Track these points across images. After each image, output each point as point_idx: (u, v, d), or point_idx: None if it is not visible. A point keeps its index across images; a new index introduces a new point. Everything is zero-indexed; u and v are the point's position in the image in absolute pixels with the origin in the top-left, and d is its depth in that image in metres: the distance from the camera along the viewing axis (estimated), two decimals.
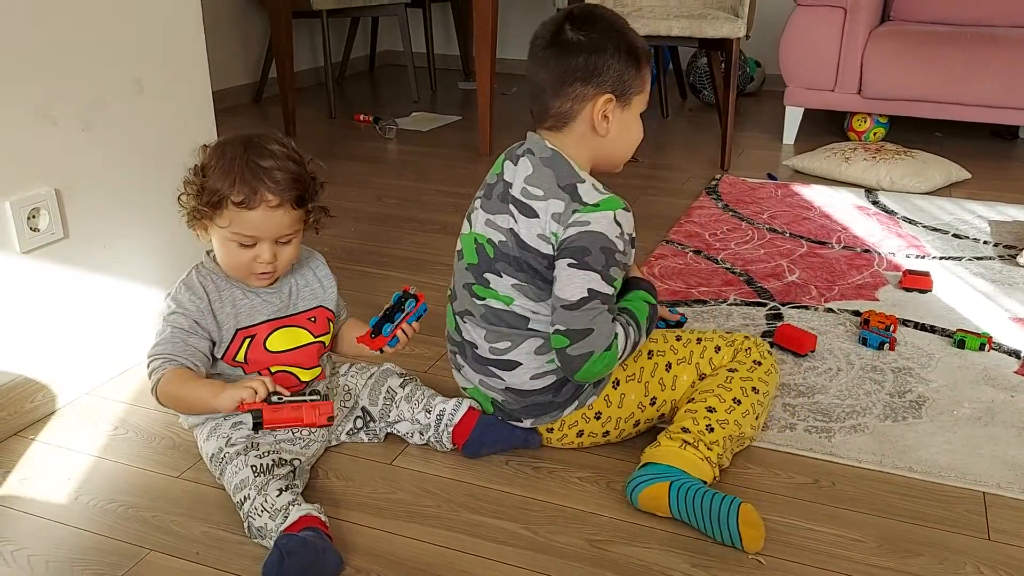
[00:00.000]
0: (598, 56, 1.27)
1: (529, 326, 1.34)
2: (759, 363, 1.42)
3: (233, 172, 1.22)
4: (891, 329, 1.80)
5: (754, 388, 1.38)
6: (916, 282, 2.05)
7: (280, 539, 1.11)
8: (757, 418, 1.39)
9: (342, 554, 1.18)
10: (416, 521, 1.28)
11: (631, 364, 1.41)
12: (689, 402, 1.37)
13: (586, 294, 1.26)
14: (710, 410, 1.34)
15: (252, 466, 1.23)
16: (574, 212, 1.27)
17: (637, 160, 3.17)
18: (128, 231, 1.66)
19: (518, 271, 1.32)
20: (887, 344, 1.75)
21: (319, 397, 1.21)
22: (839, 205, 2.65)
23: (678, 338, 1.46)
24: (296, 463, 1.29)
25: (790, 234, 2.40)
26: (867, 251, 2.28)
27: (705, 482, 1.27)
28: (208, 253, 1.33)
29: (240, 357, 1.31)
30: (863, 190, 2.80)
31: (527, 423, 1.40)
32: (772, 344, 1.77)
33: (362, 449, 1.44)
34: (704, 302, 1.98)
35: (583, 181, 1.31)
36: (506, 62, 5.05)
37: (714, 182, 2.88)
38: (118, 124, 1.61)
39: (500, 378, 1.37)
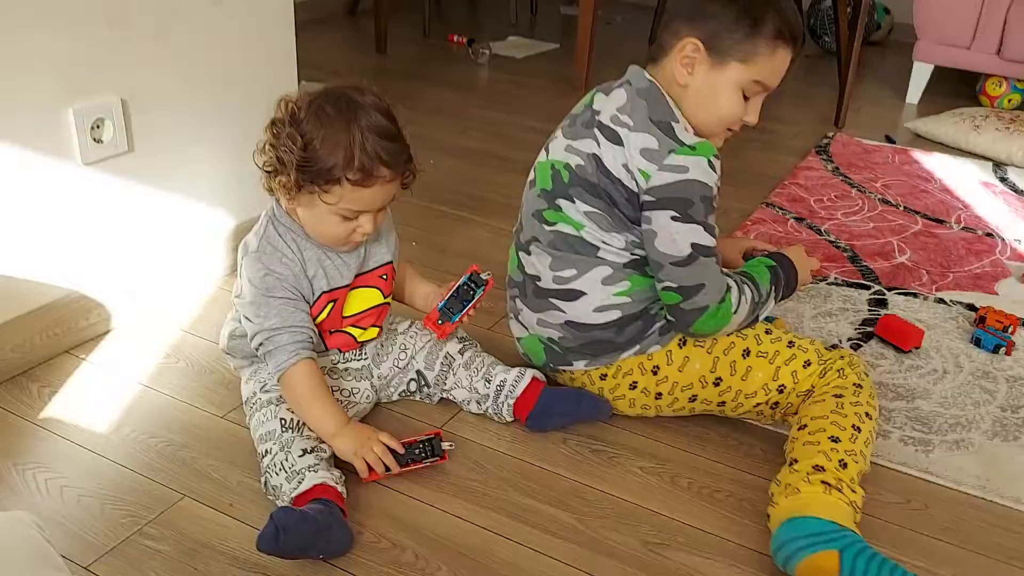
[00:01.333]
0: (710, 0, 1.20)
1: (598, 254, 1.25)
2: (860, 386, 1.24)
3: (346, 147, 1.09)
4: (1010, 331, 1.61)
5: (867, 414, 1.21)
6: None
7: (276, 512, 1.01)
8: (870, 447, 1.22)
9: (357, 527, 1.11)
10: (461, 496, 1.19)
11: (765, 343, 1.29)
12: (800, 430, 1.20)
13: (692, 249, 1.20)
14: (834, 440, 1.15)
15: (281, 419, 1.16)
16: (670, 152, 1.18)
17: None
18: (196, 148, 1.58)
19: (595, 198, 1.24)
20: (1004, 348, 1.57)
21: (431, 455, 1.20)
22: (962, 179, 2.40)
23: (768, 331, 1.31)
24: None
25: (904, 208, 2.19)
26: (989, 235, 2.06)
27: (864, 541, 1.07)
28: (278, 202, 1.22)
29: (319, 319, 1.23)
30: (991, 164, 2.53)
31: (580, 365, 1.30)
32: (872, 335, 1.60)
33: (415, 408, 1.35)
34: None
35: (677, 121, 1.21)
36: None
37: (825, 141, 2.65)
38: (192, 34, 1.52)
39: (561, 310, 1.28)
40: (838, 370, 1.26)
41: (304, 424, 1.17)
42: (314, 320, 1.22)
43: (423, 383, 1.32)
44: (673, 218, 1.18)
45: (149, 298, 1.55)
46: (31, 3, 1.26)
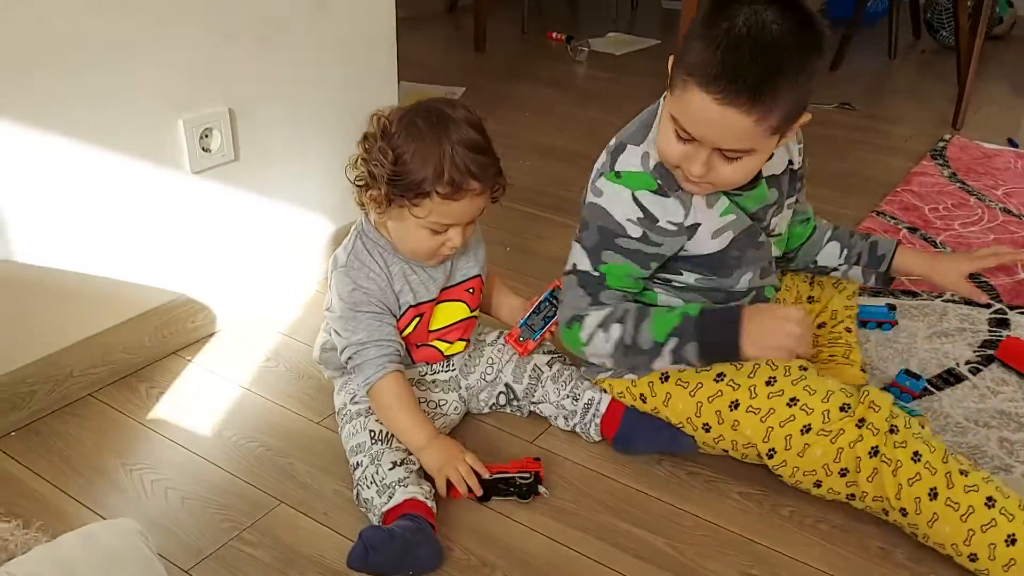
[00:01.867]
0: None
1: None
2: (895, 429, 1.08)
3: (437, 161, 1.09)
4: None
5: (962, 472, 1.05)
6: None
7: (365, 531, 1.03)
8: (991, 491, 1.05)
9: (447, 543, 1.10)
10: (552, 516, 1.18)
11: (760, 397, 1.15)
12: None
13: (570, 268, 1.20)
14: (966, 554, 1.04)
15: (371, 431, 1.17)
16: (601, 175, 1.16)
17: (850, 106, 2.83)
18: (298, 156, 1.61)
19: None
20: None
21: (529, 478, 1.19)
22: None
23: (768, 382, 1.15)
24: None
25: None
26: None
27: None
28: (367, 216, 1.23)
29: (405, 333, 1.24)
30: None
31: (582, 370, 1.30)
32: (992, 359, 1.51)
33: (505, 420, 1.34)
34: (914, 294, 1.72)
35: (639, 143, 1.14)
36: None
37: (941, 143, 2.51)
38: (296, 43, 1.54)
39: None
40: (857, 424, 1.09)
41: (393, 436, 1.17)
42: (402, 333, 1.22)
43: (512, 396, 1.31)
44: (575, 235, 1.20)
45: (252, 302, 1.59)
46: (147, 16, 1.29)
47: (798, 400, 1.13)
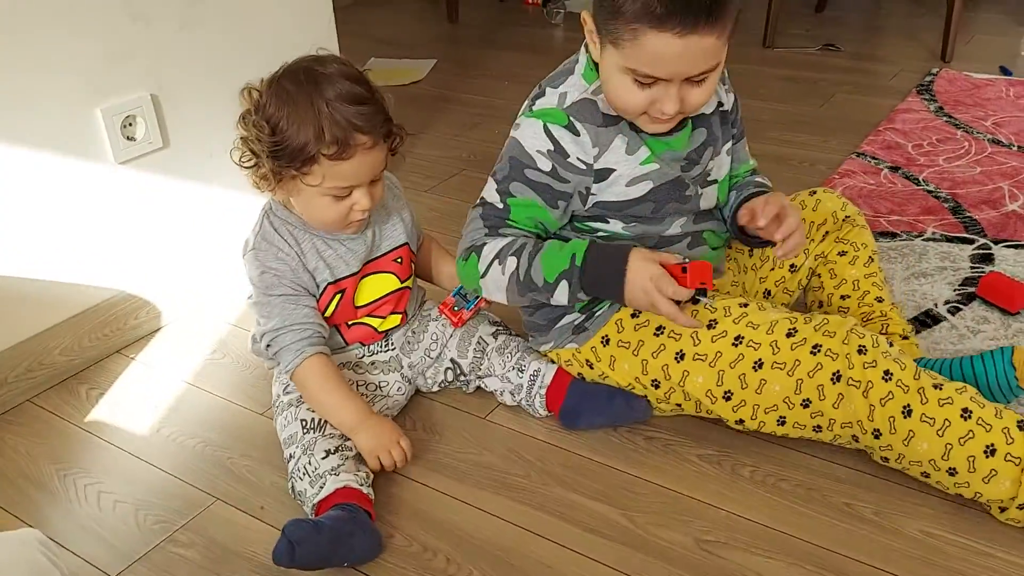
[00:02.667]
0: None
1: None
2: (863, 350, 1.02)
3: (314, 122, 1.03)
4: None
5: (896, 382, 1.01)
6: None
7: (288, 526, 0.96)
8: None
9: (388, 529, 1.06)
10: (502, 493, 1.12)
11: (628, 331, 1.13)
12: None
13: (478, 201, 1.14)
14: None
15: (302, 420, 1.12)
16: (522, 114, 1.12)
17: (835, 47, 2.72)
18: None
19: None
20: None
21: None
22: None
23: (710, 326, 1.09)
24: None
25: (1019, 147, 1.95)
26: None
27: None
28: (274, 197, 1.17)
29: (328, 312, 1.18)
30: None
31: (529, 341, 1.25)
32: (974, 297, 1.42)
33: (457, 397, 1.29)
34: (893, 235, 1.63)
35: (557, 87, 1.10)
36: None
37: (928, 78, 2.40)
38: (220, 22, 1.48)
39: None
40: (812, 351, 1.04)
41: (326, 423, 1.12)
42: (324, 313, 1.16)
43: (459, 372, 1.25)
44: (492, 169, 1.14)
45: (198, 294, 1.54)
46: (46, 5, 1.24)
47: (743, 338, 1.08)
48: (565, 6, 3.27)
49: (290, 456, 1.10)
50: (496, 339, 1.24)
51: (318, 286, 1.16)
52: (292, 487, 1.09)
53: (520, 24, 3.28)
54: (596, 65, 1.08)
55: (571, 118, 1.08)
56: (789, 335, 1.06)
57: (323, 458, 1.07)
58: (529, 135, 1.09)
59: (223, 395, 1.33)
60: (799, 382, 1.05)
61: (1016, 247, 1.56)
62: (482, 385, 1.26)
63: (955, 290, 1.45)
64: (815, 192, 1.31)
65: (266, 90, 1.07)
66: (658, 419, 1.21)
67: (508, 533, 1.06)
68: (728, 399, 1.10)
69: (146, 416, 1.29)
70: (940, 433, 0.99)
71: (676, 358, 1.11)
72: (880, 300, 1.25)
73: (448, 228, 1.73)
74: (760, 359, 1.06)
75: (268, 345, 1.13)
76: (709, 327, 1.09)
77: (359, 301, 1.20)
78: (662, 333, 1.12)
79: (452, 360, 1.24)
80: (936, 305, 1.42)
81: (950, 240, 1.60)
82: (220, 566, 1.03)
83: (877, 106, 2.25)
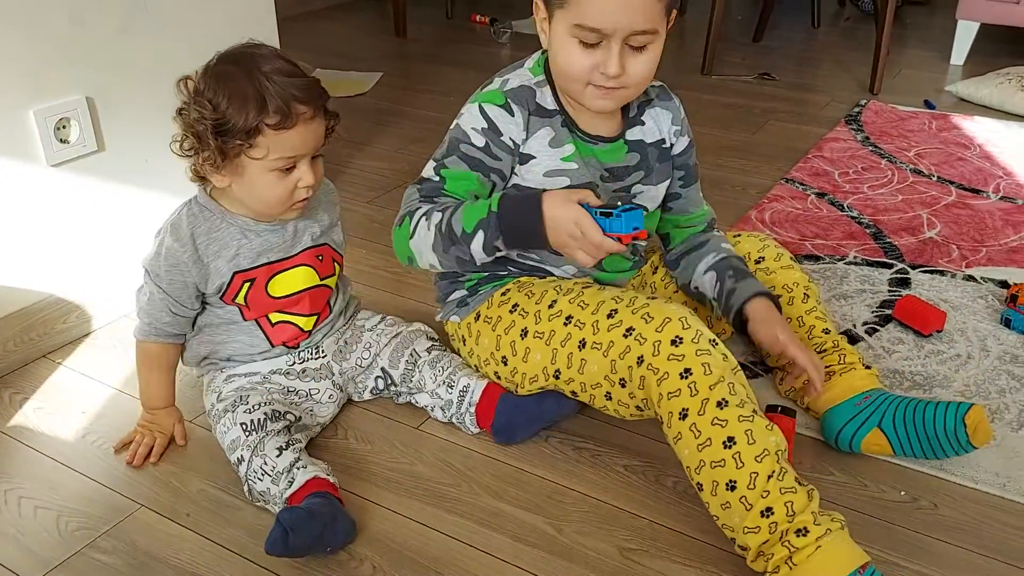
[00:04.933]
0: None
1: None
2: (678, 341, 1.04)
3: (255, 93, 1.06)
4: None
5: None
6: None
7: (282, 513, 0.99)
8: None
9: (354, 517, 1.07)
10: (432, 503, 1.13)
11: (543, 321, 1.15)
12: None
13: (417, 179, 1.18)
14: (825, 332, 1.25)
15: (241, 423, 1.12)
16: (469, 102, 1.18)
17: (770, 76, 2.82)
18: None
19: None
20: None
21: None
22: (1005, 144, 2.24)
23: (610, 315, 1.10)
24: (291, 417, 1.16)
25: (938, 178, 2.04)
26: None
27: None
28: (203, 188, 1.18)
29: (240, 299, 1.18)
30: None
31: (437, 317, 1.31)
32: (890, 319, 1.49)
33: (391, 408, 1.30)
34: (817, 258, 1.69)
35: (505, 74, 1.19)
36: None
37: (857, 109, 2.50)
38: (160, 28, 1.47)
39: None
40: (624, 334, 1.07)
41: (266, 422, 1.12)
42: (235, 296, 1.18)
43: (390, 381, 1.26)
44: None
45: (130, 298, 1.51)
46: None
47: (572, 317, 1.13)
48: (512, 26, 3.32)
49: (239, 460, 1.10)
50: (430, 353, 1.25)
51: (219, 277, 1.16)
52: (249, 490, 1.10)
53: (467, 42, 3.32)
54: (546, 63, 1.15)
55: (508, 99, 1.14)
56: (609, 316, 1.10)
57: (277, 456, 1.08)
58: (467, 116, 1.16)
59: None
60: (612, 363, 1.08)
61: (932, 272, 1.64)
62: (413, 401, 1.27)
63: (873, 312, 1.51)
64: (739, 235, 1.35)
65: (203, 76, 1.09)
66: (589, 429, 1.24)
67: (436, 542, 1.07)
68: (557, 377, 1.15)
69: (72, 422, 1.27)
70: (699, 448, 0.99)
71: (521, 335, 1.17)
72: (827, 332, 1.26)
73: (387, 239, 1.74)
74: (584, 339, 1.11)
75: (136, 326, 1.21)
76: (550, 306, 1.15)
77: (274, 292, 1.20)
78: (515, 311, 1.18)
79: (383, 369, 1.26)
80: (855, 326, 1.48)
81: (870, 264, 1.67)
82: (141, 572, 1.02)
83: (808, 134, 2.34)
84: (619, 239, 1.02)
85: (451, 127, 1.18)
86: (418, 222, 1.12)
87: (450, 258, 1.11)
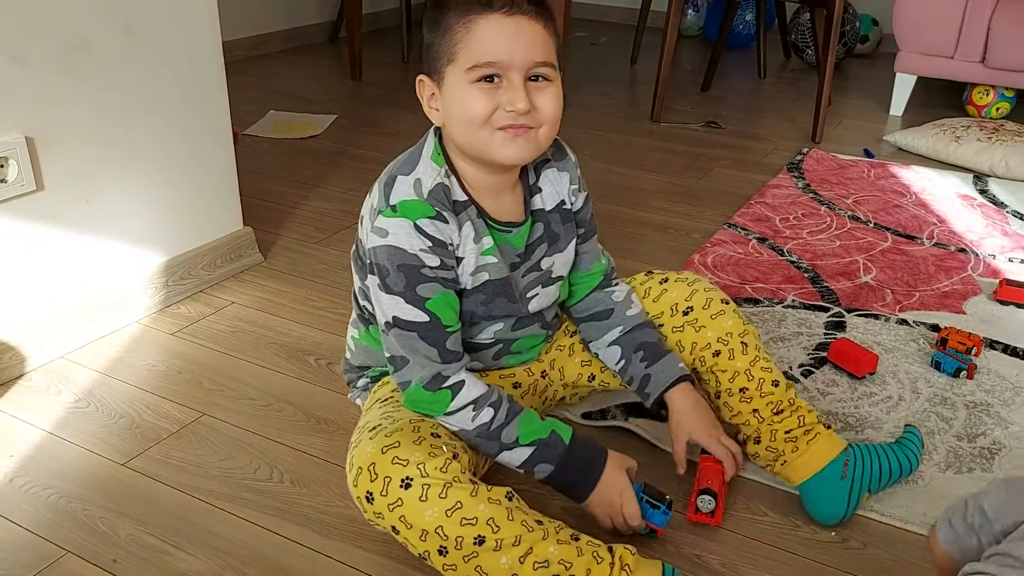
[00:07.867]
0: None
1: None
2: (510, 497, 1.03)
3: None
4: (973, 352, 1.52)
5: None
6: (1015, 294, 1.74)
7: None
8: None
9: None
10: (363, 545, 1.12)
11: (373, 409, 1.16)
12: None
13: (391, 319, 1.08)
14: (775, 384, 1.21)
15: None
16: (379, 213, 1.07)
17: (716, 125, 2.89)
18: (114, 185, 1.53)
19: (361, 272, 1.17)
20: (965, 371, 1.48)
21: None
22: (940, 192, 2.32)
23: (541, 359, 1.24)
24: None
25: (875, 224, 2.11)
26: (963, 251, 1.97)
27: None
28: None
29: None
30: (972, 175, 2.45)
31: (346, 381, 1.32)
32: (825, 361, 1.52)
33: (324, 448, 1.29)
34: (756, 301, 1.73)
35: (408, 173, 1.09)
36: (599, 7, 4.76)
37: (799, 157, 2.57)
38: (103, 68, 1.47)
39: None
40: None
41: None
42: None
43: None
44: (378, 285, 1.08)
45: (68, 340, 1.50)
46: None
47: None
48: None
49: None
50: None
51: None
52: None
53: None
54: (443, 149, 1.10)
55: (436, 208, 1.06)
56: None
57: None
58: (403, 238, 1.06)
59: (84, 445, 1.29)
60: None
61: (866, 316, 1.68)
62: None
63: (808, 354, 1.55)
64: (666, 280, 1.29)
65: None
66: None
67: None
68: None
69: (0, 466, 1.24)
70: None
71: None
72: (776, 384, 1.21)
73: (336, 280, 1.75)
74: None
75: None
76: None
77: None
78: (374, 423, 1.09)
79: None
80: (791, 368, 1.51)
81: (807, 308, 1.71)
82: None
83: (751, 181, 2.40)
84: (648, 527, 1.11)
85: (382, 250, 1.06)
86: (464, 407, 1.08)
87: (477, 444, 1.10)
